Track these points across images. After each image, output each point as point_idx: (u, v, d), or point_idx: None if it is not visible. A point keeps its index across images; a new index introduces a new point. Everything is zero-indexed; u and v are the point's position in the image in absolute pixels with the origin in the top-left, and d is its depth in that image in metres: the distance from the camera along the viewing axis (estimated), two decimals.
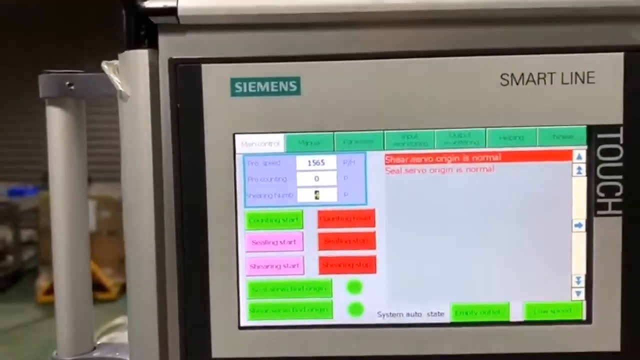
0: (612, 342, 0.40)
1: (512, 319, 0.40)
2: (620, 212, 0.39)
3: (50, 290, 5.12)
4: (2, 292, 5.35)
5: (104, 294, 5.38)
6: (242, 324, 0.40)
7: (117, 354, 0.47)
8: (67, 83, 0.45)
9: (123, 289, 5.56)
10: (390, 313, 0.40)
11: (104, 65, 0.41)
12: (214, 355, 0.40)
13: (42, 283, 5.44)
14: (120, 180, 0.42)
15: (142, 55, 0.40)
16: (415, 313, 0.40)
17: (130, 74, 0.41)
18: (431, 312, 0.40)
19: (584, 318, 0.40)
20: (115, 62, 0.42)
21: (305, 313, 0.40)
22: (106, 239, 5.24)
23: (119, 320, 2.49)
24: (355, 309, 0.41)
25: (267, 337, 0.40)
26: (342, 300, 0.40)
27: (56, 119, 0.46)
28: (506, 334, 0.40)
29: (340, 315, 0.40)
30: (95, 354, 0.48)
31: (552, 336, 0.40)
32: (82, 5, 4.56)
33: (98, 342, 0.49)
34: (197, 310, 0.40)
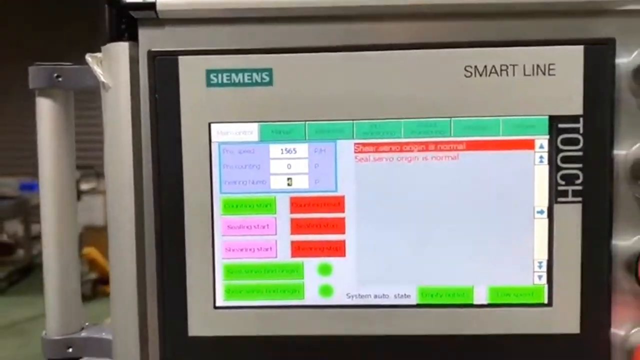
0: (572, 325, 0.41)
1: (476, 302, 0.42)
2: (580, 199, 0.40)
3: None
4: (14, 284, 5.42)
5: None
6: (217, 304, 0.42)
7: (103, 334, 0.49)
8: (55, 75, 0.47)
9: None
10: (359, 294, 0.42)
11: (88, 57, 0.44)
12: (190, 334, 0.42)
13: None
14: (104, 166, 0.44)
15: (123, 48, 0.42)
16: (383, 295, 0.42)
17: (112, 66, 0.43)
18: (398, 294, 0.42)
19: (546, 301, 0.41)
20: (98, 54, 0.44)
21: (278, 294, 0.42)
22: None
23: None
24: (326, 290, 0.42)
25: (242, 316, 0.42)
26: (313, 282, 0.42)
27: (45, 109, 0.48)
28: (470, 316, 0.42)
29: (311, 297, 0.42)
30: (83, 334, 0.50)
31: (515, 318, 0.41)
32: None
33: (87, 324, 0.52)
34: (175, 291, 0.42)
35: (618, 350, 0.42)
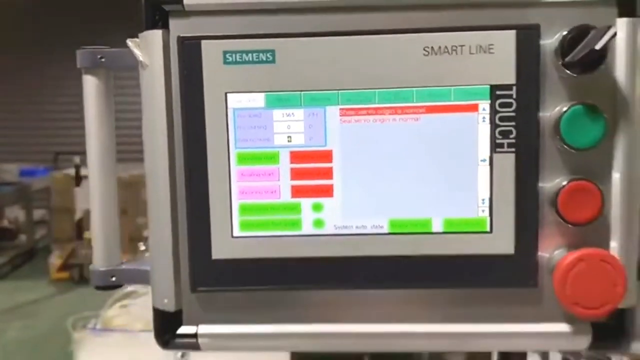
0: (508, 247, 0.53)
1: (433, 230, 0.54)
2: (513, 150, 0.52)
3: (62, 268, 5.30)
4: (17, 269, 5.52)
5: None
6: (234, 235, 0.54)
7: (141, 266, 0.61)
8: (99, 56, 0.59)
9: None
10: (344, 226, 0.54)
11: (129, 41, 0.55)
12: (213, 257, 0.54)
13: (54, 261, 5.61)
14: (142, 130, 0.56)
15: (157, 34, 0.53)
16: (362, 226, 0.54)
17: (149, 49, 0.54)
18: (373, 225, 0.54)
19: (488, 229, 0.53)
20: (136, 39, 0.55)
21: (281, 226, 0.54)
22: None
23: (130, 288, 2.65)
24: (318, 223, 0.54)
25: (253, 243, 0.54)
26: (309, 217, 0.54)
27: (90, 85, 0.60)
28: (429, 241, 0.54)
29: (307, 228, 0.54)
30: (123, 266, 0.62)
31: (463, 242, 0.54)
32: None
33: (124, 261, 0.64)
34: (201, 225, 0.54)
35: (545, 268, 0.54)
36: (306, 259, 0.54)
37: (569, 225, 0.52)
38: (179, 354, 2.02)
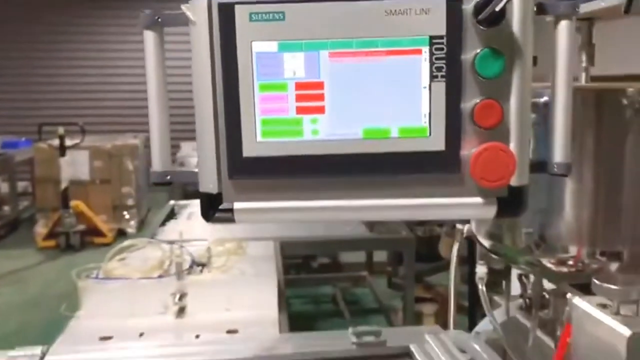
0: (440, 146, 0.80)
1: (392, 136, 0.80)
2: (444, 80, 0.78)
3: (48, 236, 5.44)
4: (2, 239, 5.64)
5: (101, 239, 5.71)
6: (258, 140, 0.80)
7: (190, 169, 0.86)
8: (157, 17, 0.82)
9: (118, 234, 5.84)
10: (332, 134, 0.80)
11: (183, 6, 0.79)
12: (244, 155, 0.79)
13: (40, 230, 5.74)
14: (192, 71, 0.80)
15: (202, 2, 0.78)
16: (344, 133, 0.80)
17: (196, 12, 0.78)
18: (352, 133, 0.80)
19: (428, 135, 0.80)
20: (187, 5, 0.79)
21: (289, 134, 0.80)
22: (100, 187, 5.54)
23: (127, 242, 2.87)
24: (315, 132, 0.80)
25: (271, 145, 0.80)
26: (308, 128, 0.80)
27: (149, 39, 0.83)
28: (389, 142, 0.80)
29: (307, 135, 0.80)
30: (176, 169, 0.87)
31: (412, 143, 0.80)
32: None
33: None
34: (235, 133, 0.79)
35: (466, 162, 0.81)
36: (306, 156, 0.80)
37: (481, 130, 0.79)
38: (177, 296, 2.27)
